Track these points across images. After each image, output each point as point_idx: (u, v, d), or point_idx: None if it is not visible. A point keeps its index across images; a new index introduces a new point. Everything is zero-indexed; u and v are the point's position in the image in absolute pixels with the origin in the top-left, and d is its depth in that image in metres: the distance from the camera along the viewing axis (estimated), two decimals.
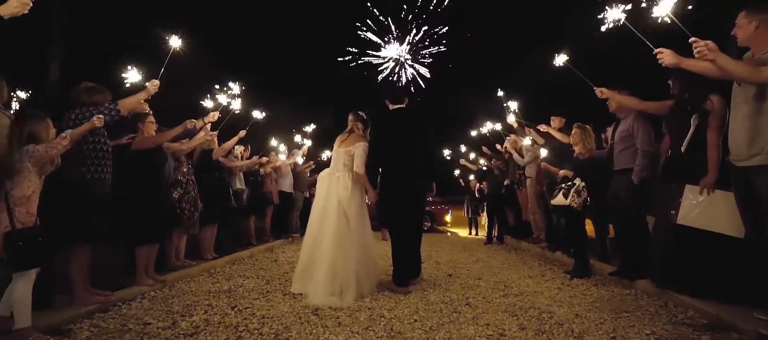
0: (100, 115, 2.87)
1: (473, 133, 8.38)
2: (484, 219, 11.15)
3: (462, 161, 8.93)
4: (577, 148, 4.39)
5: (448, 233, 11.57)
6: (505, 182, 7.71)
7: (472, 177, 10.68)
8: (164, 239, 3.88)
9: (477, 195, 11.08)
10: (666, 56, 2.39)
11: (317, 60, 24.58)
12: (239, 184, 6.09)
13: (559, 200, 4.34)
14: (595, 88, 3.49)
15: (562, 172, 4.61)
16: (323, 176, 3.76)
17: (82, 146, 3.01)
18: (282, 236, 7.66)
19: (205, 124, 4.29)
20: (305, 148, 8.18)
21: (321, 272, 3.29)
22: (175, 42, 3.35)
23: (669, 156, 2.99)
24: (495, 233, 8.25)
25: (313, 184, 10.12)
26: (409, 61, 29.21)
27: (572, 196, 4.17)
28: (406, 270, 3.64)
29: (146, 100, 3.83)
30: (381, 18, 28.81)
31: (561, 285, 3.77)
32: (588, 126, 4.40)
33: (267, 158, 6.71)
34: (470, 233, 11.44)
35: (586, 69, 3.66)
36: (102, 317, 2.81)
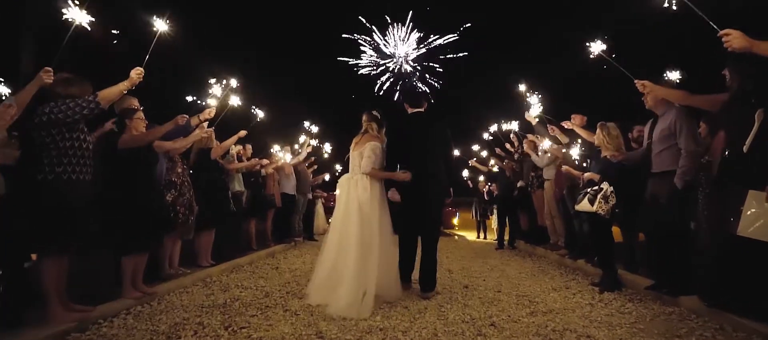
0: (48, 69, 2.55)
1: (484, 133, 7.95)
2: (493, 222, 10.78)
3: (472, 162, 8.55)
4: (603, 150, 4.02)
5: (456, 237, 11.19)
6: (519, 184, 7.33)
7: (481, 178, 10.29)
8: (154, 248, 3.53)
9: (486, 197, 10.71)
10: (734, 39, 2.03)
11: (319, 59, 24.30)
12: (238, 185, 5.75)
13: (584, 205, 3.97)
14: (635, 81, 3.12)
15: (587, 175, 4.23)
16: (342, 181, 3.64)
17: (58, 143, 2.68)
18: (284, 241, 7.31)
19: (201, 121, 3.95)
20: (305, 150, 7.83)
21: (346, 282, 3.11)
22: (161, 26, 3.00)
23: (727, 156, 2.61)
24: (507, 237, 7.89)
25: (317, 185, 9.87)
26: (412, 66, 28.82)
27: (599, 202, 3.80)
28: (408, 269, 3.64)
29: (136, 96, 3.55)
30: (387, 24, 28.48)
31: (592, 300, 3.40)
32: (609, 124, 4.01)
33: (268, 160, 6.35)
34: (478, 237, 11.08)
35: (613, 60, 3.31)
36: (77, 337, 2.48)
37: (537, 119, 5.50)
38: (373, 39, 28.41)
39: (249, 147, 6.34)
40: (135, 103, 3.53)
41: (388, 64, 29.02)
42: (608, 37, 3.35)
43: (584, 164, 4.53)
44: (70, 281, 2.83)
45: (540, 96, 5.00)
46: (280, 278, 4.36)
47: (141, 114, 3.35)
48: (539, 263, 5.60)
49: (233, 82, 4.16)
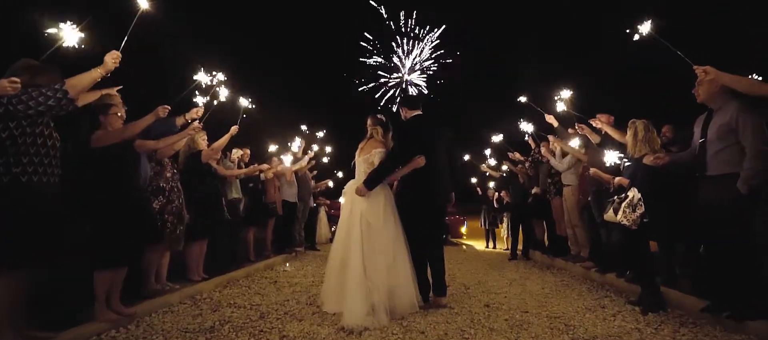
0: (15, 79, 2.19)
1: (496, 136, 7.48)
2: (503, 231, 10.31)
3: (483, 167, 8.11)
4: (631, 151, 3.60)
5: (464, 246, 10.72)
6: (533, 190, 6.88)
7: (491, 184, 9.84)
8: (132, 262, 3.08)
9: (496, 205, 10.26)
10: None
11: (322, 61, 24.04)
12: (235, 192, 5.33)
13: (609, 215, 3.54)
14: (695, 67, 2.69)
15: (617, 179, 3.79)
16: (347, 188, 3.51)
17: (16, 140, 2.28)
18: (285, 251, 6.86)
19: (188, 121, 3.54)
20: (305, 158, 7.41)
21: (352, 291, 2.99)
22: (143, 2, 2.61)
23: None
24: (520, 247, 7.42)
25: (320, 192, 9.44)
26: (416, 74, 28.76)
27: (624, 211, 3.36)
28: (423, 286, 3.41)
29: (115, 87, 3.15)
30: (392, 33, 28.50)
31: (638, 324, 2.93)
32: (638, 121, 3.57)
33: (267, 165, 5.92)
34: (487, 246, 10.60)
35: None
36: None
37: (556, 122, 5.05)
38: (379, 53, 28.43)
39: (247, 151, 5.93)
40: (115, 98, 3.14)
41: (392, 80, 28.99)
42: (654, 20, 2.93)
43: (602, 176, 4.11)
44: (32, 301, 2.42)
45: (569, 92, 4.48)
46: (278, 295, 3.92)
47: (117, 109, 2.93)
48: (562, 276, 5.13)
49: (221, 77, 3.73)
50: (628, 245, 3.64)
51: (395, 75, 29.15)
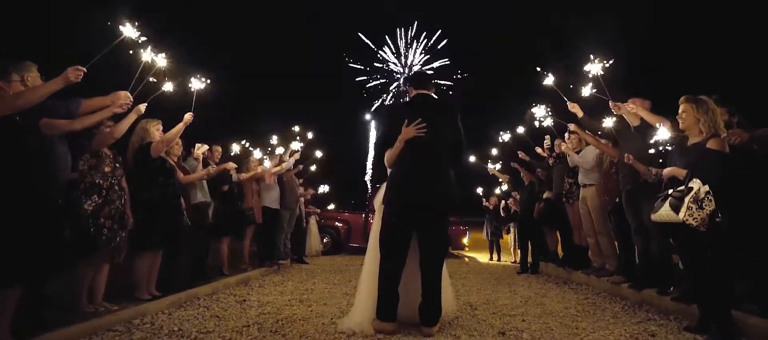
0: None
1: (505, 134, 6.71)
2: (509, 241, 9.54)
3: (491, 169, 7.34)
4: (691, 134, 2.86)
5: (466, 259, 9.93)
6: (545, 195, 6.12)
7: (498, 191, 9.07)
8: (29, 280, 2.30)
9: (502, 213, 9.50)
10: None
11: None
12: (202, 195, 4.57)
13: (663, 213, 2.74)
14: None
15: (667, 170, 3.03)
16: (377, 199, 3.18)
17: None
18: (265, 264, 6.07)
19: (115, 107, 2.76)
20: (294, 155, 6.67)
21: (360, 296, 2.88)
22: None
23: None
24: (530, 259, 6.64)
25: (309, 200, 8.67)
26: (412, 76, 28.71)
27: (688, 207, 2.59)
28: (392, 298, 2.67)
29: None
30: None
31: None
32: (702, 96, 2.83)
33: (234, 164, 5.13)
34: (491, 258, 9.81)
35: None
36: None
37: (581, 111, 4.28)
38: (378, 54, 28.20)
39: (218, 149, 5.18)
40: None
41: (390, 81, 28.67)
42: None
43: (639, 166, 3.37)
44: None
45: (606, 62, 3.66)
46: (239, 319, 3.14)
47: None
48: (585, 293, 4.34)
49: (160, 59, 2.96)
50: (690, 253, 2.83)
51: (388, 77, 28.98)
